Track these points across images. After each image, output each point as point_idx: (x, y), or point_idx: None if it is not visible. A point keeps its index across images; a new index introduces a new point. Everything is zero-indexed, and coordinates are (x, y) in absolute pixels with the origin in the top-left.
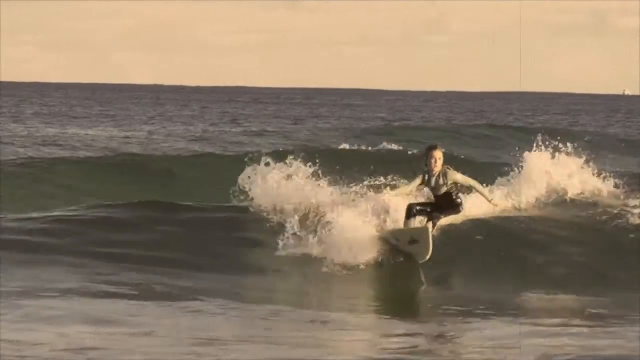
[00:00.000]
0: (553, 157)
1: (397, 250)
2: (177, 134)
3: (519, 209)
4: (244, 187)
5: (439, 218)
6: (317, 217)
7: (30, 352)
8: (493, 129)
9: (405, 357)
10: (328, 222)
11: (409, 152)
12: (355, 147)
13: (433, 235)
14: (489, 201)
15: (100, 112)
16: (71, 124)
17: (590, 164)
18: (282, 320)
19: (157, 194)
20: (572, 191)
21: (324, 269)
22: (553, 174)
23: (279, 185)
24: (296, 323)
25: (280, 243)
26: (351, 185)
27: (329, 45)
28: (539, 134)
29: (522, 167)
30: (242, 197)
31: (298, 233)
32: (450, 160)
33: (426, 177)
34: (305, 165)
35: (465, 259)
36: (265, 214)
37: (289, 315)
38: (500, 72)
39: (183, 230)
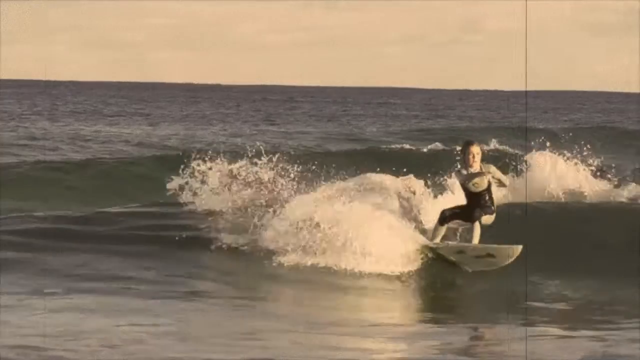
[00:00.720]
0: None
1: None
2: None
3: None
4: None
5: (479, 218)
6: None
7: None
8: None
9: None
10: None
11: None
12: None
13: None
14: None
15: (135, 111)
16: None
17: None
18: None
19: None
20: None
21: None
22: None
23: None
24: None
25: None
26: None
27: (365, 45)
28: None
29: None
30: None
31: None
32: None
33: (464, 174)
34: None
35: None
36: None
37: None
38: (534, 71)
39: None
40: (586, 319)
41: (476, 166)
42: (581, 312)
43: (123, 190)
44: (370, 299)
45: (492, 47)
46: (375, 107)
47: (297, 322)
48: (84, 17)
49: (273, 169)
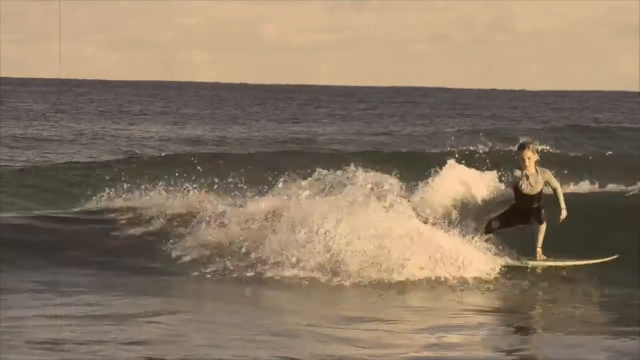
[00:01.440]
0: None
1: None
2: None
3: None
4: None
5: (546, 219)
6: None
7: None
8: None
9: None
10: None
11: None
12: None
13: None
14: (561, 209)
15: (161, 110)
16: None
17: None
18: None
19: None
20: None
21: None
22: None
23: None
24: None
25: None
26: None
27: (393, 45)
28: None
29: None
30: None
31: None
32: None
33: (520, 179)
34: None
35: None
36: None
37: None
38: (564, 71)
39: None
40: None
41: (531, 171)
42: None
43: None
44: None
45: (521, 48)
46: (399, 106)
47: None
48: (112, 17)
49: None
